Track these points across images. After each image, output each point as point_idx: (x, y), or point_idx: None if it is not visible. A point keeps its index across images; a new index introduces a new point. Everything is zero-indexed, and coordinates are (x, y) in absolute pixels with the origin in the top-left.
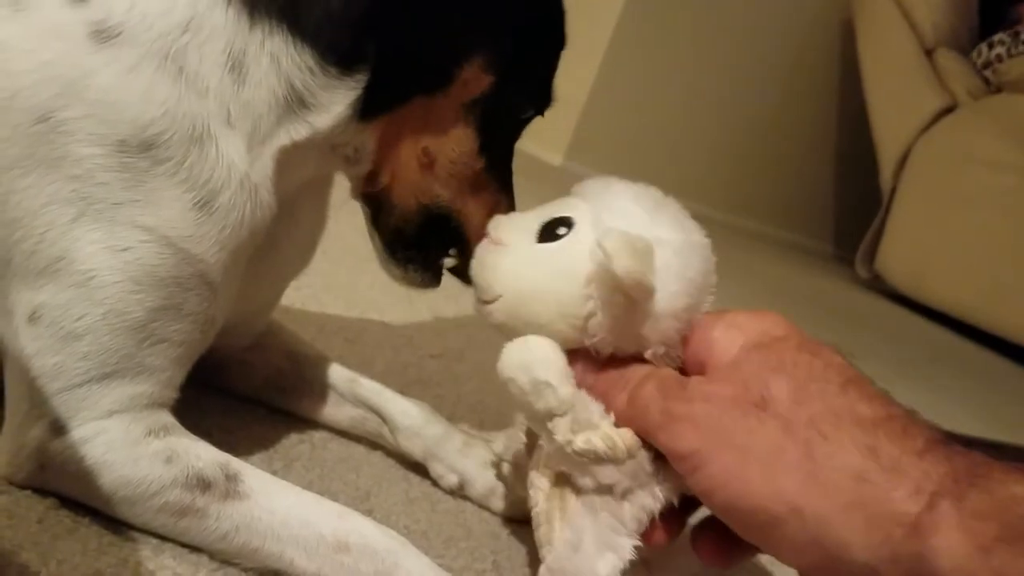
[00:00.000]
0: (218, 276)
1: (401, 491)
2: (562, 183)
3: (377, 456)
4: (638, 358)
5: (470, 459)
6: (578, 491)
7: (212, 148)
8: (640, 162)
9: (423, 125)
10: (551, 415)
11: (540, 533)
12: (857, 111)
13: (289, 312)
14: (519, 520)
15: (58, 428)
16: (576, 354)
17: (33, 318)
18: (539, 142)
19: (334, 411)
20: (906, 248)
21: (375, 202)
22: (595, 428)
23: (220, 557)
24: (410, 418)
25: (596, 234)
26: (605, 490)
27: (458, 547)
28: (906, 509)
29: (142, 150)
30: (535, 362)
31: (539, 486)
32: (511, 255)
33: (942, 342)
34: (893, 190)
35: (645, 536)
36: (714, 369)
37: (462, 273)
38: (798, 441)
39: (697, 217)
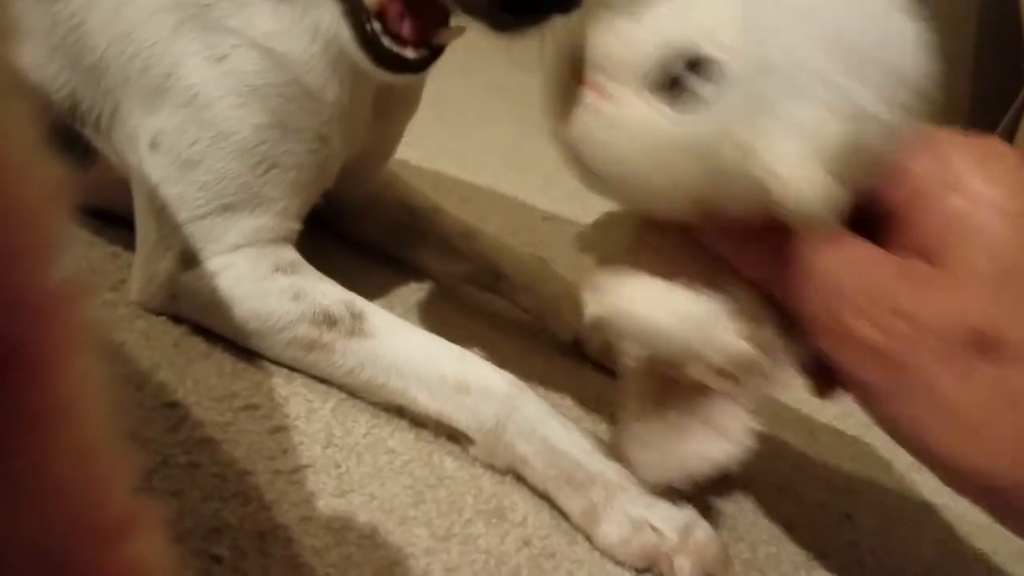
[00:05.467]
0: (318, 84)
1: (517, 344)
2: None
3: (493, 309)
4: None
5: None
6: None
7: None
8: None
9: None
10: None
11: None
12: None
13: (405, 167)
14: None
15: (187, 259)
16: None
17: (154, 145)
18: None
19: (451, 264)
20: None
21: None
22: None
23: (348, 391)
24: (526, 274)
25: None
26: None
27: (573, 400)
28: None
29: None
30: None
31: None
32: (624, 126)
33: None
34: None
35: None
36: (951, 270)
37: None
38: (1018, 408)
39: None
